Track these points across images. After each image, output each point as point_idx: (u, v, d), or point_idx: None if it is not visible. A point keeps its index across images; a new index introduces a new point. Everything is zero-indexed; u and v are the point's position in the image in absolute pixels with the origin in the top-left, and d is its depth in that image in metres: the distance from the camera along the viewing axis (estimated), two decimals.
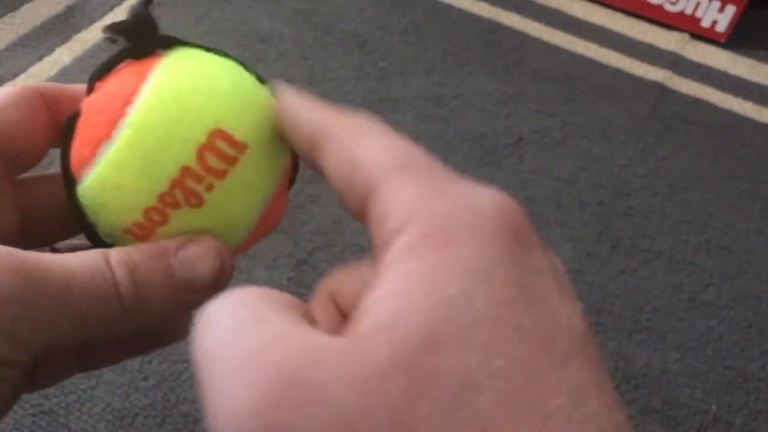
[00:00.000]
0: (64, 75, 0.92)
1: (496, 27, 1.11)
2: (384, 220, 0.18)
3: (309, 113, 0.24)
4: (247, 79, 0.28)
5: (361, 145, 0.20)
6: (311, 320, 0.18)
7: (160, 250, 0.24)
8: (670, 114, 1.02)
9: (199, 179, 0.23)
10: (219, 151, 0.24)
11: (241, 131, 0.25)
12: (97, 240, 0.25)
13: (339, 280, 0.24)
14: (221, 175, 0.24)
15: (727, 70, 1.12)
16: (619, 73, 1.07)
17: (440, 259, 0.16)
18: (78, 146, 0.26)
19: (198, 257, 0.24)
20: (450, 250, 0.16)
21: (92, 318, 0.22)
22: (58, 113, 0.27)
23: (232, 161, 0.25)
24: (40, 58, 0.93)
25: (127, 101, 0.24)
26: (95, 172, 0.25)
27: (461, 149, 0.92)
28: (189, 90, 0.25)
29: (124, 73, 0.26)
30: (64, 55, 0.94)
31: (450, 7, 1.13)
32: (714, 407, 0.71)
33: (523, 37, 1.11)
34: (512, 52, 1.08)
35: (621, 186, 0.91)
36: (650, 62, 1.10)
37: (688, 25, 1.16)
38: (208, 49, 0.28)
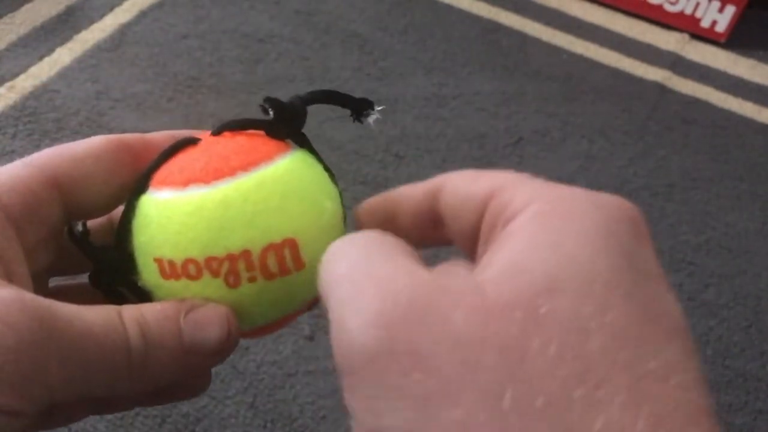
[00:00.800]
0: (64, 75, 0.92)
1: (496, 27, 1.11)
2: (508, 205, 0.19)
3: (414, 188, 0.25)
4: (337, 202, 0.28)
5: (477, 180, 0.22)
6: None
7: (173, 311, 0.23)
8: (670, 114, 1.02)
9: (249, 268, 0.24)
10: (281, 257, 0.25)
11: (308, 252, 0.25)
12: (123, 266, 0.25)
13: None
14: (269, 277, 0.24)
15: (726, 71, 1.12)
16: (618, 74, 1.07)
17: (564, 226, 0.17)
18: (174, 166, 0.26)
19: (207, 322, 0.24)
20: (572, 221, 0.18)
21: (100, 373, 0.22)
22: (142, 163, 0.27)
23: (285, 272, 0.25)
24: (41, 59, 0.93)
25: (245, 167, 0.25)
26: (177, 196, 0.25)
27: (461, 149, 0.92)
28: (296, 193, 0.26)
29: (256, 141, 0.27)
30: (64, 55, 0.94)
31: (450, 7, 1.13)
32: (713, 407, 0.71)
33: (522, 37, 1.11)
34: (512, 52, 1.08)
35: (621, 186, 0.91)
36: (650, 62, 1.10)
37: (687, 25, 1.16)
38: (320, 158, 0.29)
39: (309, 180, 0.27)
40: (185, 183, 0.25)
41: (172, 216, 0.24)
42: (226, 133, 0.27)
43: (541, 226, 0.18)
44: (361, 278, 0.17)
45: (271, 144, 0.27)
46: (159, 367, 0.23)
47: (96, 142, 0.26)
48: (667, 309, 0.17)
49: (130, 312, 0.23)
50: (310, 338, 0.68)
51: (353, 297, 0.17)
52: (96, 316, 0.22)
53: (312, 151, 0.29)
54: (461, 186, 0.22)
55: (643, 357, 0.15)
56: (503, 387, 0.15)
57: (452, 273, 0.17)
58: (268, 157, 0.26)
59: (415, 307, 0.16)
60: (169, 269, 0.24)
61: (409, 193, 0.25)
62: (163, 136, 0.28)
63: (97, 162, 0.25)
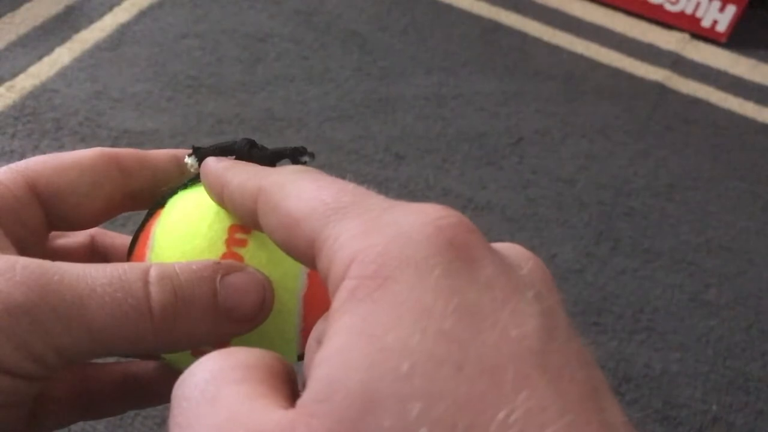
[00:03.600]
0: (63, 75, 0.91)
1: (496, 27, 1.11)
2: (331, 271, 0.17)
3: (238, 179, 0.22)
4: None
5: (291, 202, 0.20)
6: (275, 381, 0.18)
7: (209, 271, 0.23)
8: (671, 114, 1.02)
9: (235, 243, 0.25)
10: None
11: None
12: None
13: None
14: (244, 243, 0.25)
15: (727, 70, 1.11)
16: (619, 73, 1.07)
17: (377, 304, 0.15)
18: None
19: (245, 287, 0.23)
20: (385, 291, 0.15)
21: (114, 331, 0.21)
22: (135, 181, 0.26)
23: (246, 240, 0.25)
24: (40, 58, 0.93)
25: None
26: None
27: (461, 149, 0.92)
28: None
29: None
30: (63, 54, 0.94)
31: (450, 7, 1.13)
32: (714, 407, 0.71)
33: (523, 37, 1.11)
34: (512, 51, 1.08)
35: (621, 186, 0.91)
36: (650, 62, 1.10)
37: (688, 24, 1.16)
38: None
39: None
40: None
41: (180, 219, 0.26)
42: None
43: (354, 310, 0.16)
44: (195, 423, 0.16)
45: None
46: (189, 326, 0.22)
47: (87, 153, 0.25)
48: (515, 338, 0.15)
49: (162, 269, 0.22)
50: None
51: None
52: (102, 274, 0.21)
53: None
54: (281, 214, 0.20)
55: (486, 426, 0.13)
56: None
57: (266, 410, 0.16)
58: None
59: None
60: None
61: (233, 191, 0.23)
62: (161, 155, 0.27)
63: (81, 173, 0.25)
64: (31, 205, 0.24)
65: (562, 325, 0.16)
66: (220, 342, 0.23)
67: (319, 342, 0.17)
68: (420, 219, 0.17)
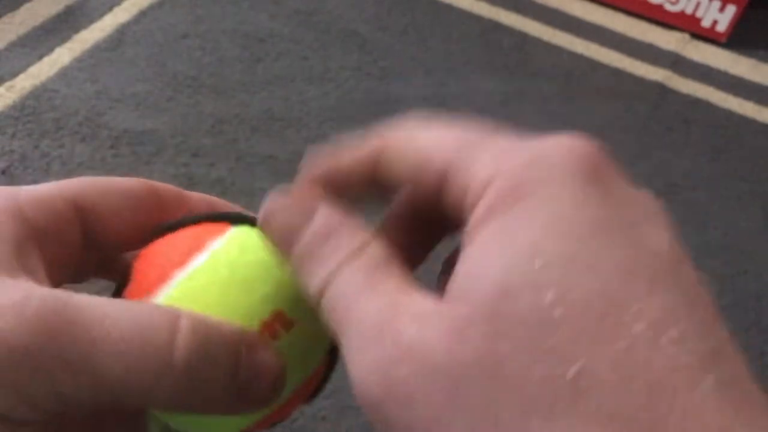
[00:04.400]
0: (63, 75, 0.91)
1: (496, 27, 1.11)
2: (467, 195, 0.19)
3: (353, 151, 0.22)
4: None
5: (421, 142, 0.21)
6: (408, 273, 0.19)
7: (236, 337, 0.21)
8: (671, 114, 1.02)
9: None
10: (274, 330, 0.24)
11: (292, 313, 0.24)
12: None
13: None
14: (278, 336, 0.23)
15: (727, 70, 1.11)
16: (619, 73, 1.07)
17: (514, 215, 0.17)
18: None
19: (266, 366, 0.21)
20: (523, 204, 0.17)
21: (126, 382, 0.19)
22: (169, 216, 0.25)
23: (288, 327, 0.24)
24: (40, 58, 0.93)
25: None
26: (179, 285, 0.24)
27: None
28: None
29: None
30: (63, 54, 0.94)
31: (450, 7, 1.13)
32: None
33: (523, 37, 1.11)
34: (512, 51, 1.08)
35: None
36: (651, 62, 1.10)
37: (688, 24, 1.16)
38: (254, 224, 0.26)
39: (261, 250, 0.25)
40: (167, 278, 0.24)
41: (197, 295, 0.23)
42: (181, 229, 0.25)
43: (493, 220, 0.17)
44: (352, 327, 0.18)
45: (215, 227, 0.25)
46: (205, 391, 0.20)
47: (128, 181, 0.25)
48: (653, 248, 0.16)
49: (196, 321, 0.20)
50: None
51: (349, 349, 0.18)
52: (123, 314, 0.19)
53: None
54: (410, 157, 0.21)
55: (624, 323, 0.15)
56: (487, 407, 0.15)
57: (417, 301, 0.18)
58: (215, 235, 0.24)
59: (391, 346, 0.17)
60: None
61: (342, 167, 0.23)
62: (197, 199, 0.26)
63: (122, 198, 0.24)
64: (72, 224, 0.24)
65: (686, 254, 0.17)
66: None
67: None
68: (556, 143, 0.18)
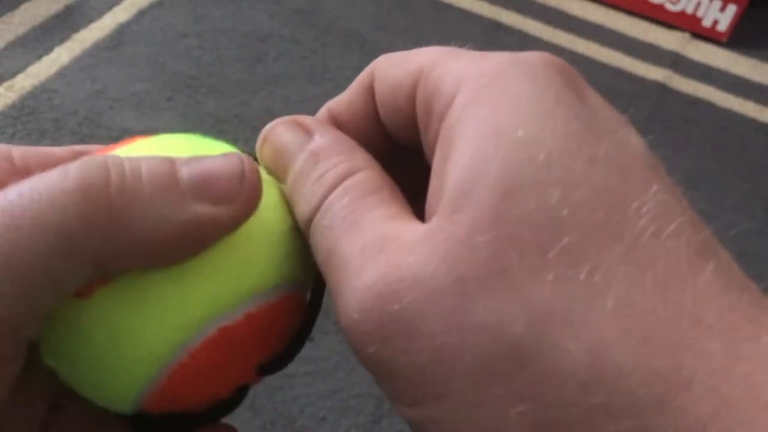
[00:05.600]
0: (63, 74, 0.91)
1: (497, 26, 1.11)
2: (436, 94, 0.18)
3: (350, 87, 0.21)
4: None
5: (400, 57, 0.20)
6: (399, 200, 0.18)
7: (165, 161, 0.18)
8: (671, 114, 1.02)
9: None
10: None
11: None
12: None
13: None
14: None
15: (728, 70, 1.11)
16: (619, 73, 1.07)
17: (500, 106, 0.16)
18: None
19: (211, 161, 0.18)
20: (507, 96, 0.16)
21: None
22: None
23: None
24: (39, 58, 0.93)
25: None
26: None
27: None
28: None
29: None
30: (63, 54, 0.94)
31: (450, 7, 1.13)
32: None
33: (523, 36, 1.10)
34: (513, 51, 1.08)
35: None
36: (651, 62, 1.10)
37: (689, 24, 1.16)
38: None
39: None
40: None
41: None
42: None
43: (476, 114, 0.16)
44: (340, 262, 0.17)
45: None
46: (145, 203, 0.17)
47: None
48: (635, 150, 0.16)
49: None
50: (310, 339, 0.68)
51: (338, 284, 0.17)
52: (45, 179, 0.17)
53: None
54: (389, 73, 0.20)
55: (629, 219, 0.14)
56: (499, 322, 0.14)
57: (408, 227, 0.16)
58: None
59: (387, 280, 0.15)
60: None
61: (341, 101, 0.22)
62: (70, 151, 0.22)
63: None
64: None
65: None
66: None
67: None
68: (531, 53, 0.18)
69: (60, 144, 0.85)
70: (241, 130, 0.88)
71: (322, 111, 0.22)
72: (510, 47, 1.08)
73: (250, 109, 0.91)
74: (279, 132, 0.20)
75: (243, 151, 0.20)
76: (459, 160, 0.16)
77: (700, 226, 0.16)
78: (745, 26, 1.15)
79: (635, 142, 0.17)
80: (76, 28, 0.98)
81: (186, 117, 0.89)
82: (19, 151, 0.20)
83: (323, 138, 0.20)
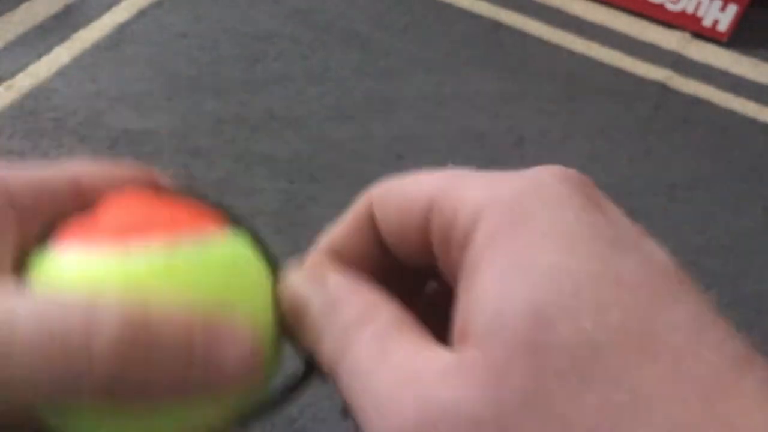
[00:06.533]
0: (62, 74, 0.91)
1: (497, 26, 1.11)
2: (454, 224, 0.18)
3: (346, 218, 0.21)
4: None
5: (408, 184, 0.20)
6: (419, 328, 0.18)
7: (187, 318, 0.18)
8: (672, 114, 1.02)
9: None
10: None
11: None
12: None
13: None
14: None
15: (728, 70, 1.11)
16: (620, 73, 1.07)
17: (523, 236, 0.16)
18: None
19: (231, 333, 0.18)
20: (530, 225, 0.17)
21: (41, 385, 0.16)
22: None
23: None
24: (39, 57, 0.93)
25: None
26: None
27: (461, 149, 0.91)
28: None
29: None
30: (62, 54, 0.94)
31: (450, 6, 1.13)
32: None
33: (523, 36, 1.10)
34: (513, 51, 1.08)
35: (622, 186, 0.90)
36: (651, 62, 1.10)
37: (689, 24, 1.16)
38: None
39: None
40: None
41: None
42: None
43: (501, 245, 0.16)
44: (368, 397, 0.17)
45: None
46: (149, 373, 0.17)
47: (56, 180, 0.21)
48: (661, 263, 0.16)
49: (122, 305, 0.17)
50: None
51: (367, 418, 0.17)
52: (29, 312, 0.16)
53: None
54: (393, 203, 0.20)
55: (663, 338, 0.14)
56: None
57: (438, 358, 0.16)
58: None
59: (422, 415, 0.15)
60: None
61: (341, 234, 0.22)
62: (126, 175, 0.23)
63: (51, 201, 0.21)
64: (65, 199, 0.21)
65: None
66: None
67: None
68: (545, 170, 0.18)
69: (59, 143, 0.85)
70: (240, 130, 0.88)
71: (323, 247, 0.22)
72: (510, 47, 1.08)
73: (250, 109, 0.91)
74: (292, 283, 0.21)
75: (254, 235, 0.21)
76: (487, 292, 0.16)
77: (733, 335, 0.16)
78: (746, 26, 1.15)
79: (658, 252, 0.17)
80: (75, 28, 0.98)
81: (186, 117, 0.89)
82: (14, 180, 0.20)
83: (334, 285, 0.20)
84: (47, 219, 0.20)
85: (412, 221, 0.19)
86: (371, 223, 0.21)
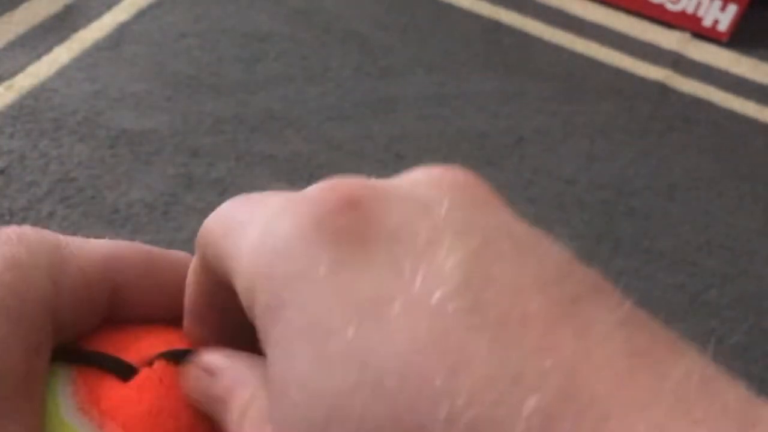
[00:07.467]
0: (62, 74, 0.91)
1: (497, 26, 1.11)
2: (242, 296, 0.16)
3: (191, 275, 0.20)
4: None
5: (213, 233, 0.18)
6: None
7: None
8: (672, 114, 1.02)
9: None
10: None
11: None
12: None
13: None
14: None
15: (728, 70, 1.11)
16: (620, 73, 1.07)
17: (282, 344, 0.15)
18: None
19: None
20: (285, 323, 0.15)
21: None
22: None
23: None
24: (39, 57, 0.93)
25: None
26: None
27: (461, 149, 0.91)
28: None
29: None
30: (62, 54, 0.94)
31: (450, 6, 1.13)
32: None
33: (523, 36, 1.10)
34: (513, 51, 1.08)
35: (622, 186, 0.90)
36: (651, 61, 1.10)
37: (689, 24, 1.16)
38: None
39: None
40: None
41: None
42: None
43: (281, 330, 0.14)
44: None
45: None
46: None
47: (170, 273, 0.22)
48: (434, 311, 0.13)
49: None
50: None
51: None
52: None
53: None
54: (210, 252, 0.18)
55: (559, 345, 0.12)
56: None
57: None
58: None
59: None
60: None
61: (189, 299, 0.20)
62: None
63: (157, 285, 0.22)
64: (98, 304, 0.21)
65: (507, 243, 0.14)
66: None
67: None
68: (286, 216, 0.15)
69: (59, 144, 0.85)
70: (240, 130, 0.88)
71: (187, 314, 0.21)
72: (510, 46, 1.08)
73: (249, 109, 0.91)
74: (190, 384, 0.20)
75: None
76: (276, 381, 0.14)
77: (649, 324, 0.14)
78: (746, 26, 1.15)
79: (436, 292, 0.14)
80: (75, 28, 0.98)
81: (185, 117, 0.89)
82: (62, 290, 0.20)
83: (222, 378, 0.18)
84: (79, 328, 0.20)
85: (220, 276, 0.17)
86: (207, 276, 0.19)
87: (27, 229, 0.19)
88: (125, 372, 0.20)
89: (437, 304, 0.13)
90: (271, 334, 0.14)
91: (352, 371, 0.13)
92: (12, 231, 0.19)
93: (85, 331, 0.20)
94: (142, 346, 0.21)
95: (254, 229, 0.15)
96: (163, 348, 0.20)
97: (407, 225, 0.14)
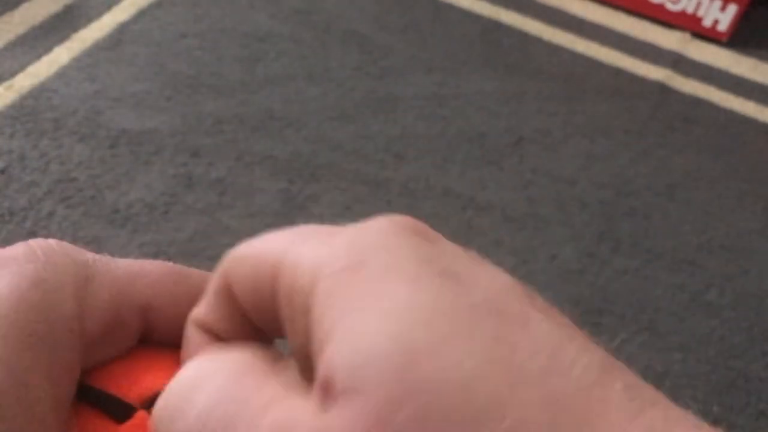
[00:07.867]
0: (62, 74, 0.91)
1: (497, 26, 1.11)
2: (295, 289, 0.17)
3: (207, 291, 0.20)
4: None
5: (257, 245, 0.19)
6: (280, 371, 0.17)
7: None
8: (672, 114, 1.02)
9: None
10: None
11: None
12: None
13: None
14: None
15: (728, 70, 1.11)
16: (620, 73, 1.07)
17: (362, 282, 0.16)
18: None
19: None
20: (367, 269, 0.16)
21: None
22: None
23: None
24: (39, 57, 0.93)
25: None
26: None
27: (461, 149, 0.91)
28: None
29: None
30: (62, 54, 0.94)
31: (450, 6, 1.13)
32: (715, 408, 0.71)
33: (523, 36, 1.10)
34: (513, 51, 1.08)
35: (622, 186, 0.90)
36: (651, 61, 1.10)
37: (689, 24, 1.16)
38: None
39: None
40: None
41: None
42: None
43: (343, 302, 0.16)
44: None
45: None
46: None
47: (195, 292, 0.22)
48: (505, 285, 0.16)
49: None
50: None
51: None
52: None
53: None
54: (245, 274, 0.19)
55: (526, 362, 0.14)
56: None
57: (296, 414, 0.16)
58: None
59: None
60: None
61: (206, 311, 0.20)
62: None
63: (189, 305, 0.23)
64: (130, 329, 0.21)
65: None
66: None
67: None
68: (373, 221, 0.17)
69: (59, 144, 0.85)
70: (240, 130, 0.88)
71: (192, 326, 0.21)
72: (510, 47, 1.08)
73: (249, 109, 0.91)
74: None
75: None
76: (342, 342, 0.15)
77: (593, 347, 0.15)
78: (746, 26, 1.15)
79: (500, 277, 0.16)
80: (75, 28, 0.98)
81: (185, 116, 0.89)
82: (91, 311, 0.20)
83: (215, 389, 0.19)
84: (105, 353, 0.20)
85: (263, 292, 0.18)
86: (229, 297, 0.19)
87: (52, 244, 0.19)
88: (121, 414, 0.21)
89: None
90: (345, 294, 0.16)
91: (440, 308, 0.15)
92: (38, 246, 0.18)
93: (119, 353, 0.20)
94: (146, 380, 0.21)
95: (340, 236, 0.17)
96: (166, 382, 0.20)
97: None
